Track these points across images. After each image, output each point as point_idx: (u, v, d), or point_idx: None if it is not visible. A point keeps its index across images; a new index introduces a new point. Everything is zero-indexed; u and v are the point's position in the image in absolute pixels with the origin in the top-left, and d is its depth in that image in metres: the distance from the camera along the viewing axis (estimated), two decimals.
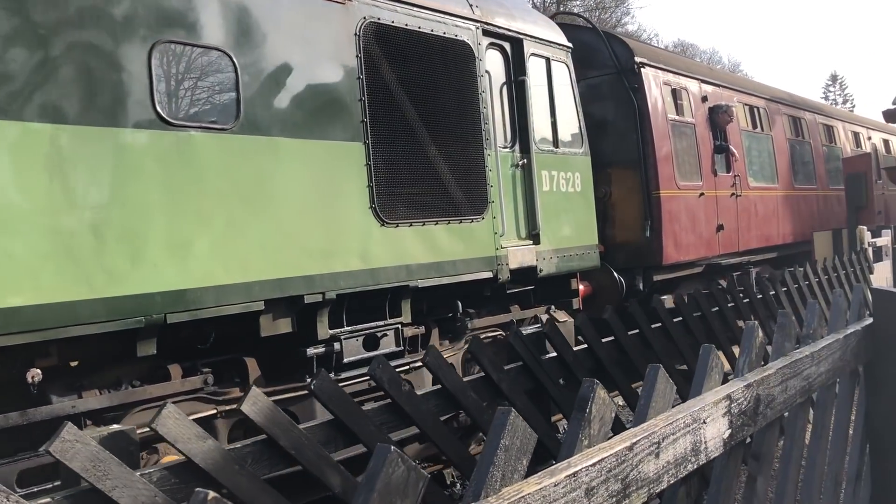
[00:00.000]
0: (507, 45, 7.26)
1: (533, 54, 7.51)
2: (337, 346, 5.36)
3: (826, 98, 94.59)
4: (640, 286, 9.18)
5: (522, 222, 7.25)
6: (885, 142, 18.94)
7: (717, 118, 10.55)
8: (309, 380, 3.29)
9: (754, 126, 11.99)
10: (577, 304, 8.11)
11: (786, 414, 2.68)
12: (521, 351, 4.38)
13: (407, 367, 5.88)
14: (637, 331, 5.46)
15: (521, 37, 7.35)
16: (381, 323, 5.75)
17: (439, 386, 3.94)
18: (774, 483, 2.63)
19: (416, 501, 1.19)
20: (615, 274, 8.91)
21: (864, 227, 11.20)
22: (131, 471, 2.53)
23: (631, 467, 1.60)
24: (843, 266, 10.11)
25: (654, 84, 9.67)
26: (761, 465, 2.36)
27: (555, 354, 4.68)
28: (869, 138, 16.99)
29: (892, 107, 4.49)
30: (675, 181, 9.54)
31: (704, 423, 1.90)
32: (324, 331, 5.30)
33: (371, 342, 5.69)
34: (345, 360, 5.39)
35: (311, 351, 5.25)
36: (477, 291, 6.74)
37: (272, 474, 3.06)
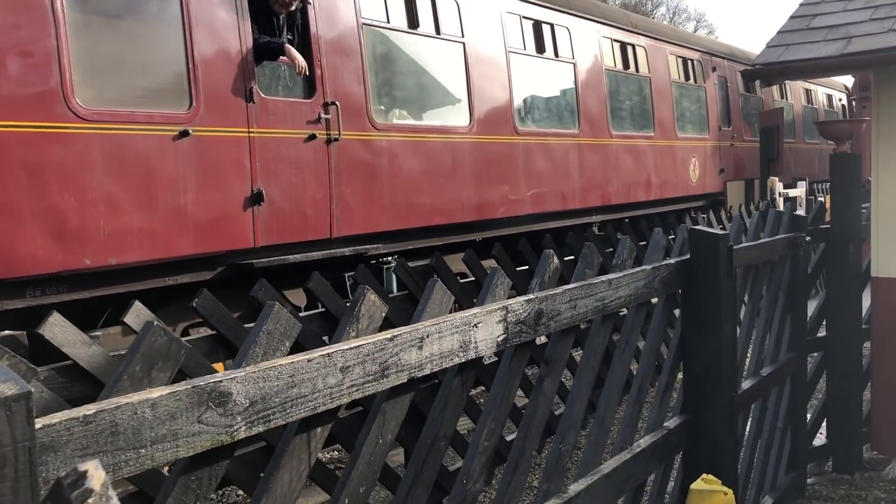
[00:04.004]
0: None
1: None
2: None
3: None
4: None
5: None
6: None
7: None
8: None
9: (434, 27, 7.63)
10: None
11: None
12: (407, 280, 4.81)
13: None
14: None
15: None
16: None
17: (323, 309, 4.36)
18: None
19: (177, 364, 1.60)
20: None
21: (776, 178, 11.84)
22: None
23: (391, 354, 2.04)
24: (750, 214, 10.73)
25: None
26: (550, 368, 2.83)
27: None
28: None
29: (749, 67, 4.62)
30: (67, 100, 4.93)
31: (476, 326, 2.34)
32: None
33: None
34: None
35: None
36: None
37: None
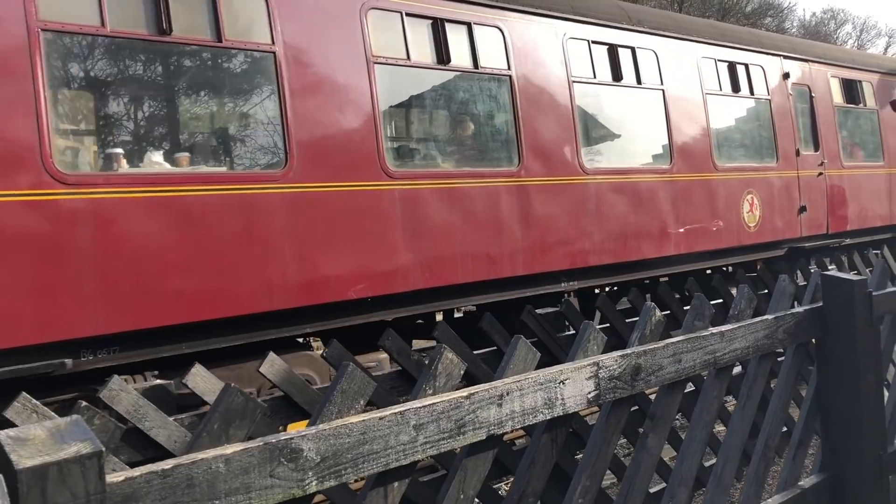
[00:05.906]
0: None
1: None
2: None
3: None
4: None
5: None
6: None
7: None
8: (323, 349, 3.93)
9: (214, 31, 4.93)
10: None
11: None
12: (534, 327, 4.85)
13: None
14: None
15: None
16: None
17: None
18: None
19: (254, 422, 1.76)
20: None
21: None
22: (165, 415, 3.24)
23: (467, 412, 2.10)
24: None
25: None
26: (655, 424, 2.77)
27: (571, 332, 5.11)
28: None
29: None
30: None
31: (562, 382, 2.36)
32: None
33: None
34: None
35: None
36: None
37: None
